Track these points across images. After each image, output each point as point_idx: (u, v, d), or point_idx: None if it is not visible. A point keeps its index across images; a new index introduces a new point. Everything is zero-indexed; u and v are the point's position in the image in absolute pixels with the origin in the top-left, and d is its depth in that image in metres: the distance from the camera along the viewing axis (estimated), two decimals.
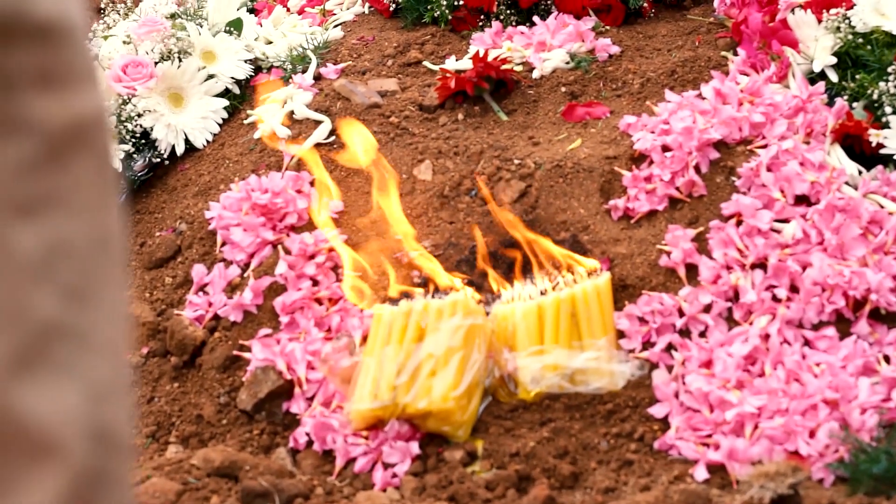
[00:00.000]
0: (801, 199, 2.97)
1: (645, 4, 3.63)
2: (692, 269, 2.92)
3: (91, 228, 0.84)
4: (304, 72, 3.61)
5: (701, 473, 2.63)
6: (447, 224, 3.11)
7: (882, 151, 3.00)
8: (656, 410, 2.76)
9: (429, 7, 3.71)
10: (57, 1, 0.80)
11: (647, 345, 2.86)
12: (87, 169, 0.83)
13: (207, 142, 3.55)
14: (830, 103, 3.13)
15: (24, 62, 0.79)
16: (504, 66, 3.35)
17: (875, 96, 3.08)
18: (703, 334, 2.85)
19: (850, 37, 3.15)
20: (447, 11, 3.67)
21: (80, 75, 0.83)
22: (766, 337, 2.79)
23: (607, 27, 3.59)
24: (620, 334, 2.87)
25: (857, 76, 3.13)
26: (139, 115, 3.48)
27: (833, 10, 3.18)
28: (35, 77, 0.79)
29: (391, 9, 3.84)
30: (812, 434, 2.63)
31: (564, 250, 2.98)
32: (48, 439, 0.80)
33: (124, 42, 3.63)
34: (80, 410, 0.82)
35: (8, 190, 0.79)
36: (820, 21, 3.20)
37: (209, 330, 3.11)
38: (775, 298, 2.84)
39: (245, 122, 3.52)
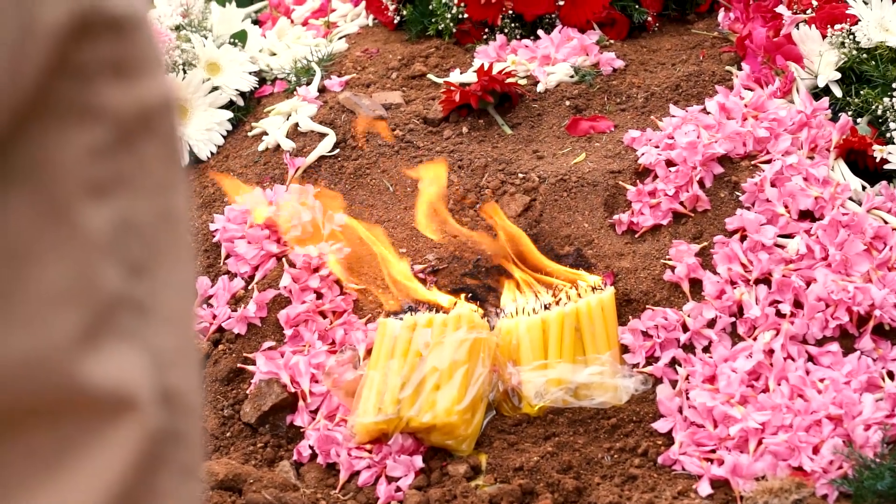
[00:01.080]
0: (805, 215, 2.98)
1: (649, 18, 3.63)
2: (696, 284, 2.93)
3: (157, 207, 0.89)
4: (308, 84, 3.61)
5: (705, 489, 2.63)
6: (451, 237, 3.11)
7: (886, 167, 3.01)
8: (660, 425, 2.77)
9: (433, 20, 3.72)
10: None
11: (650, 359, 2.86)
12: (154, 152, 0.88)
13: (211, 154, 3.55)
14: (835, 119, 3.13)
15: (99, 54, 0.83)
16: (509, 80, 3.35)
17: (879, 112, 3.08)
18: (707, 349, 2.85)
19: (854, 52, 3.16)
20: (451, 24, 3.67)
21: (148, 65, 0.87)
22: (770, 352, 2.79)
23: (611, 41, 3.59)
24: (624, 349, 2.88)
25: (862, 92, 3.13)
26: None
27: (837, 26, 3.18)
28: (108, 67, 0.84)
29: (395, 21, 3.84)
30: (816, 450, 2.63)
31: (566, 268, 2.99)
32: (120, 400, 0.85)
33: None
34: (148, 374, 0.86)
35: (82, 173, 0.84)
36: (824, 36, 3.21)
37: (213, 342, 3.11)
38: (779, 314, 2.84)
39: (249, 134, 3.52)
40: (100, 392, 0.84)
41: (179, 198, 0.92)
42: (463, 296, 2.97)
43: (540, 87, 3.43)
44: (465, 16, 3.66)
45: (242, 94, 3.65)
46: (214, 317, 3.13)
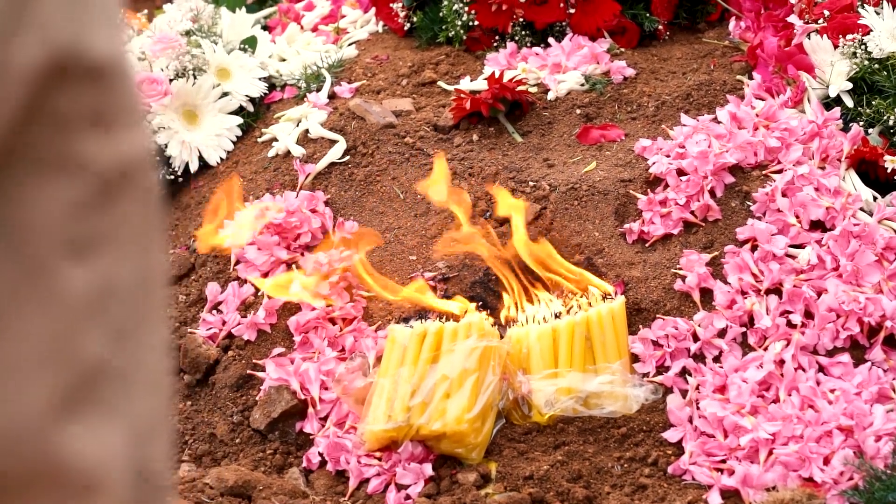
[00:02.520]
0: (817, 225, 2.97)
1: (660, 27, 3.63)
2: (707, 294, 2.92)
3: (137, 268, 0.85)
4: (318, 90, 3.61)
5: (715, 499, 2.63)
6: (462, 245, 3.10)
7: None
8: (670, 435, 2.77)
9: (443, 27, 3.71)
10: (110, 42, 0.81)
11: (661, 369, 2.86)
12: (135, 209, 0.84)
13: (221, 159, 3.55)
14: (846, 129, 3.13)
15: (78, 102, 0.80)
16: (519, 88, 3.35)
17: (890, 122, 3.08)
18: (717, 359, 2.85)
19: (866, 62, 3.16)
20: (462, 31, 3.67)
21: (129, 116, 0.83)
22: (781, 363, 2.79)
23: (622, 49, 3.58)
24: (635, 358, 2.88)
25: (873, 102, 3.13)
26: (154, 132, 3.48)
27: (849, 36, 3.18)
28: (88, 117, 0.80)
29: (405, 28, 3.84)
30: (826, 461, 2.63)
31: (580, 270, 2.98)
32: (92, 479, 0.81)
33: (139, 59, 3.63)
34: (123, 450, 0.83)
35: (61, 230, 0.80)
36: (836, 46, 3.20)
37: (223, 348, 3.11)
38: (790, 324, 2.84)
39: (259, 140, 3.52)
40: (74, 469, 0.80)
41: (157, 257, 0.88)
42: (473, 304, 2.96)
43: (550, 96, 3.43)
44: (476, 23, 3.65)
45: (252, 100, 3.65)
46: (224, 323, 3.13)
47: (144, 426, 0.85)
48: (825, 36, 3.22)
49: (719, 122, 3.18)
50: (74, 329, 0.80)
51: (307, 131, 3.45)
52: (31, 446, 0.79)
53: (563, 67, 3.50)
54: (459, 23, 3.66)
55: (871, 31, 3.17)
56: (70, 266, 0.80)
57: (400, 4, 3.81)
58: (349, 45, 3.89)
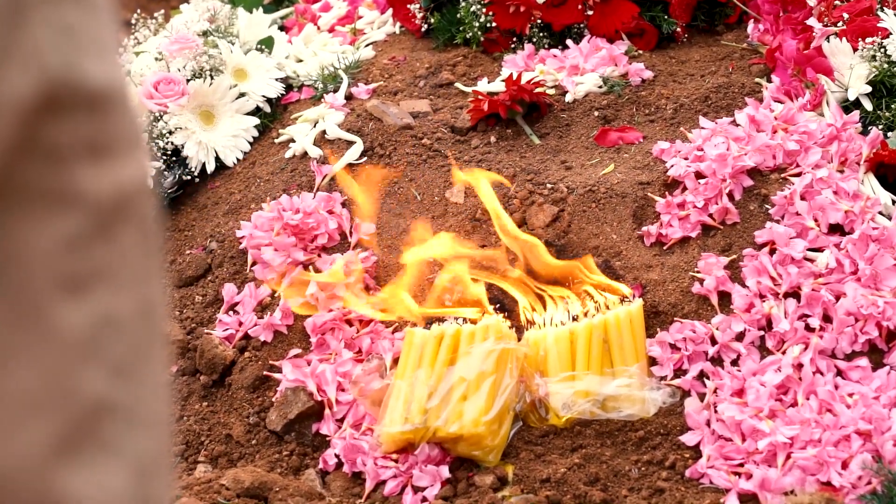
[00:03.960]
0: (835, 229, 2.97)
1: (678, 29, 3.62)
2: (725, 297, 2.92)
3: (136, 301, 0.82)
4: (335, 91, 3.60)
5: (733, 503, 2.62)
6: (479, 247, 3.10)
7: None
8: (688, 438, 2.76)
9: (461, 28, 3.71)
10: (106, 70, 0.79)
11: (679, 372, 2.85)
12: (133, 240, 0.82)
13: (238, 160, 3.55)
14: (865, 132, 3.12)
15: (74, 134, 0.77)
16: (537, 90, 3.35)
17: None
18: (735, 363, 2.84)
19: (885, 66, 3.15)
20: (479, 33, 3.67)
21: (126, 144, 0.81)
22: (799, 366, 2.78)
23: (640, 51, 3.58)
24: (652, 361, 2.87)
25: (893, 105, 3.13)
26: (170, 133, 3.48)
27: (869, 39, 3.17)
28: (84, 148, 0.78)
29: (423, 29, 3.84)
30: (845, 465, 2.62)
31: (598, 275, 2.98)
32: None
33: (156, 59, 3.63)
34: (125, 489, 0.81)
35: (56, 266, 0.77)
36: (855, 49, 3.19)
37: (239, 349, 3.11)
38: (808, 328, 2.83)
39: (276, 140, 3.52)
40: None
41: (156, 288, 0.86)
42: (491, 306, 2.96)
43: (568, 98, 3.42)
44: (493, 24, 3.65)
45: (269, 101, 3.65)
46: (241, 324, 3.13)
47: (146, 463, 0.83)
48: (844, 39, 3.21)
49: (738, 125, 3.17)
50: (72, 367, 0.78)
51: (324, 132, 3.45)
52: (30, 488, 0.76)
53: (581, 69, 3.49)
54: (477, 24, 3.66)
55: (891, 34, 3.16)
56: (66, 302, 0.78)
57: (417, 6, 3.81)
58: (366, 46, 3.89)
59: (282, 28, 4.11)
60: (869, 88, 3.16)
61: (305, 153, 3.42)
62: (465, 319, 2.88)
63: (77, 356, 0.78)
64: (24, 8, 0.74)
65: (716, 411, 2.76)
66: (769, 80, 3.34)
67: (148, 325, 0.84)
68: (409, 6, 3.84)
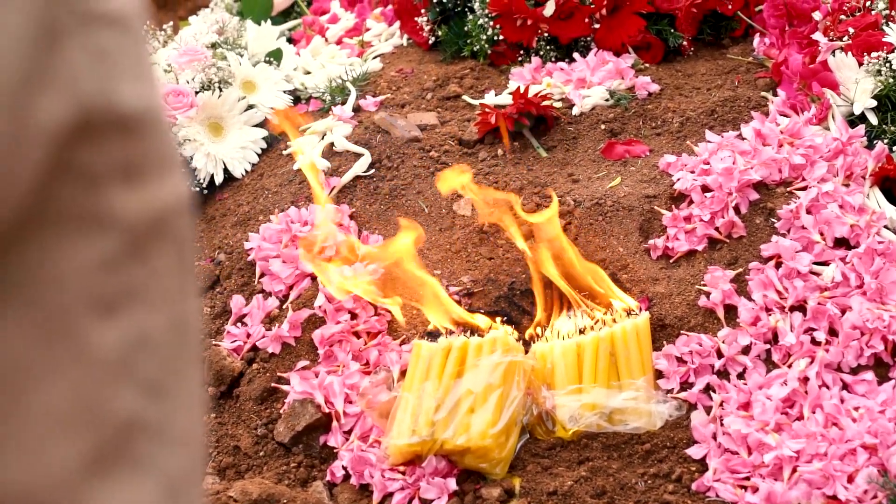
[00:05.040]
0: (841, 242, 2.98)
1: (684, 43, 3.64)
2: (731, 311, 2.93)
3: (170, 320, 0.83)
4: (343, 103, 3.62)
5: None
6: (486, 260, 3.12)
7: None
8: (694, 452, 2.77)
9: (468, 41, 3.73)
10: (141, 93, 0.80)
11: (685, 385, 2.86)
12: (167, 260, 0.83)
13: (246, 172, 3.57)
14: (870, 146, 3.13)
15: (109, 157, 0.78)
16: (544, 103, 3.36)
17: None
18: (741, 376, 2.85)
19: (890, 80, 3.16)
20: (486, 46, 3.69)
21: (162, 165, 0.82)
22: (805, 380, 2.79)
23: (647, 65, 3.59)
24: (659, 374, 2.88)
25: None
26: (179, 144, 3.50)
27: (874, 54, 3.18)
28: (119, 171, 0.79)
29: (430, 41, 3.85)
30: (850, 479, 2.62)
31: (605, 285, 2.99)
32: None
33: (165, 71, 3.65)
34: None
35: (88, 288, 0.78)
36: (861, 64, 3.21)
37: (247, 361, 3.12)
38: (814, 341, 2.84)
39: (284, 152, 3.54)
40: None
41: (191, 306, 0.86)
42: (498, 318, 2.97)
43: (575, 111, 3.44)
44: (501, 37, 3.67)
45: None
46: (249, 335, 3.14)
47: (178, 481, 0.83)
48: (850, 53, 3.23)
49: (744, 139, 3.19)
50: (105, 386, 0.79)
51: (332, 144, 3.46)
52: None
53: (588, 83, 3.50)
54: (484, 37, 3.68)
55: None
56: (99, 323, 0.78)
57: (425, 18, 3.82)
58: (374, 58, 3.91)
59: (290, 40, 4.12)
60: (874, 103, 3.18)
61: (314, 165, 3.43)
62: (472, 332, 2.89)
63: (109, 375, 0.79)
64: (60, 33, 0.75)
65: (722, 424, 2.77)
66: (775, 94, 3.36)
67: (182, 344, 0.85)
68: (416, 19, 3.86)
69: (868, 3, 3.38)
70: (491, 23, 3.65)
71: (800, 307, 2.90)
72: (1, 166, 0.71)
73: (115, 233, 0.79)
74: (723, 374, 2.86)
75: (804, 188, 3.06)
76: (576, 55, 3.61)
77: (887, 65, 3.17)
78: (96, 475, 0.78)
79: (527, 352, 2.88)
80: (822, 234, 2.96)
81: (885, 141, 3.13)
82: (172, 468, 0.83)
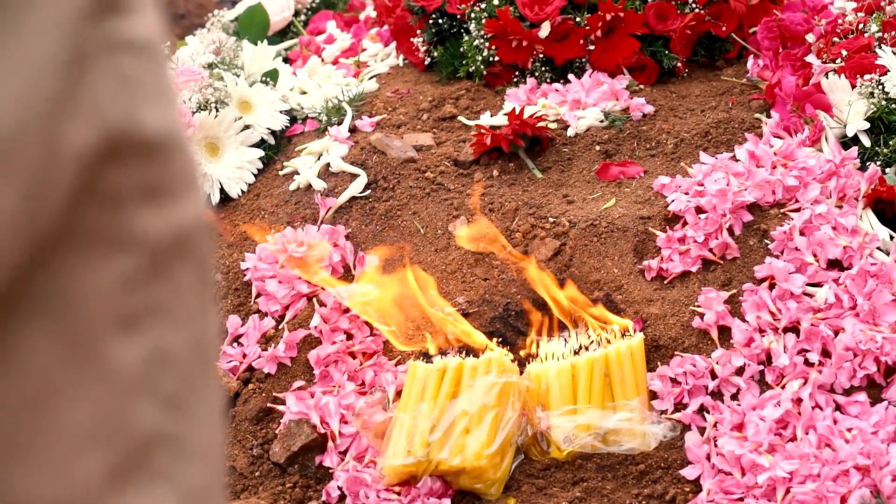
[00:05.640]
0: (834, 264, 2.99)
1: (678, 64, 3.65)
2: (725, 332, 2.94)
3: (190, 336, 0.85)
4: (339, 124, 3.63)
5: None
6: (481, 280, 3.13)
7: None
8: (688, 472, 2.78)
9: (464, 62, 3.74)
10: (164, 116, 0.82)
11: (679, 406, 2.88)
12: (188, 278, 0.85)
13: (242, 192, 3.58)
14: (863, 168, 3.15)
15: (132, 179, 0.80)
16: (539, 124, 3.38)
17: None
18: (735, 397, 2.87)
19: (883, 102, 3.18)
20: (482, 66, 3.70)
21: (183, 185, 0.84)
22: (798, 401, 2.80)
23: (641, 86, 3.61)
24: (653, 395, 2.89)
25: (891, 142, 3.15)
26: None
27: (867, 76, 3.20)
28: (142, 192, 0.81)
29: (426, 62, 3.87)
30: (843, 500, 2.64)
31: (598, 310, 3.00)
32: None
33: None
34: None
35: (112, 306, 0.80)
36: (854, 86, 3.23)
37: (243, 381, 3.13)
38: (807, 363, 2.86)
39: (280, 172, 3.55)
40: None
41: (211, 322, 0.89)
42: (494, 339, 2.98)
43: (570, 132, 3.45)
44: (496, 58, 3.68)
45: (273, 133, 3.67)
46: (245, 356, 3.15)
47: (197, 493, 0.85)
48: (843, 75, 3.25)
49: (738, 161, 3.20)
50: (127, 402, 0.81)
51: (328, 165, 3.48)
52: None
53: (583, 104, 3.52)
54: (480, 58, 3.69)
55: (889, 71, 3.19)
56: (121, 340, 0.81)
57: (421, 39, 3.84)
58: (370, 78, 3.92)
59: (286, 60, 4.13)
60: (867, 125, 3.19)
61: (310, 185, 3.45)
62: (467, 353, 2.90)
63: (131, 391, 0.81)
64: (88, 60, 0.77)
65: (716, 445, 2.78)
66: (769, 116, 3.37)
67: (201, 359, 0.87)
68: (412, 39, 3.87)
69: (861, 26, 3.40)
70: (486, 44, 3.67)
71: (793, 328, 2.91)
72: (32, 190, 0.73)
73: (138, 252, 0.81)
74: (716, 394, 2.88)
75: (797, 210, 3.07)
76: (571, 76, 3.62)
77: (880, 87, 3.19)
78: (118, 488, 0.80)
79: (522, 372, 2.90)
80: (815, 255, 2.98)
81: (878, 163, 3.15)
82: (192, 481, 0.85)
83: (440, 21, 3.80)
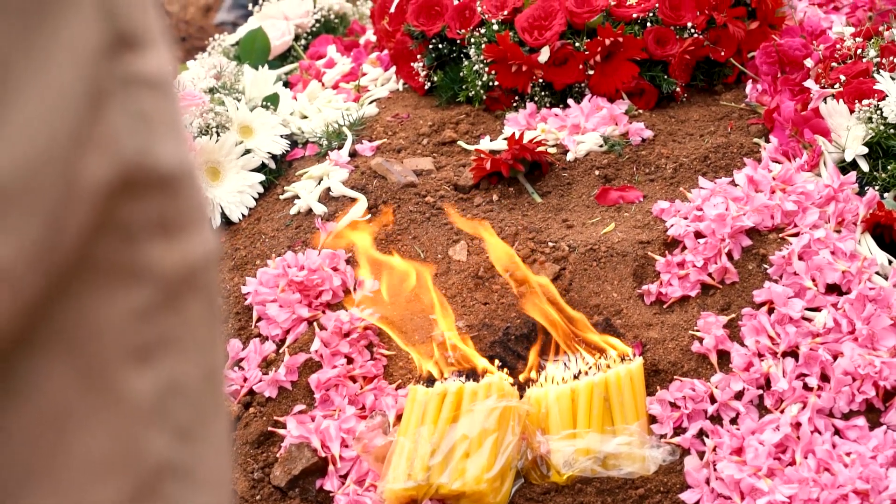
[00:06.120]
0: (833, 288, 3.00)
1: (677, 89, 3.67)
2: (724, 356, 2.95)
3: (201, 367, 0.87)
4: (339, 148, 3.65)
5: None
6: (482, 305, 3.14)
7: None
8: (687, 496, 2.79)
9: (463, 86, 3.76)
10: (177, 151, 0.83)
11: (678, 430, 2.88)
12: (199, 310, 0.86)
13: (243, 216, 3.59)
14: (861, 193, 3.16)
15: (146, 213, 0.82)
16: (539, 149, 3.39)
17: None
18: (734, 421, 2.87)
19: (881, 127, 3.19)
20: (482, 91, 3.71)
21: (195, 219, 0.85)
22: (798, 425, 2.81)
23: (640, 111, 3.62)
24: (652, 419, 2.90)
25: (889, 167, 3.17)
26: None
27: (865, 101, 3.21)
28: (156, 226, 0.82)
29: (426, 87, 3.88)
30: None
31: (598, 334, 3.01)
32: None
33: None
34: None
35: (125, 337, 0.81)
36: (852, 111, 3.24)
37: (244, 405, 3.14)
38: (806, 387, 2.86)
39: (281, 197, 3.56)
40: None
41: (219, 351, 0.90)
42: (494, 363, 2.99)
43: (570, 156, 3.46)
44: (496, 83, 3.69)
45: (274, 157, 3.69)
46: (245, 379, 3.16)
47: None
48: (841, 101, 3.26)
49: (737, 185, 3.22)
50: (139, 432, 0.82)
51: (329, 189, 3.49)
52: None
53: (582, 129, 3.53)
54: (479, 83, 3.70)
55: (887, 96, 3.20)
56: (134, 371, 0.82)
57: (421, 63, 3.85)
58: (370, 102, 3.93)
59: (286, 84, 4.15)
60: (865, 150, 3.20)
61: (310, 210, 3.46)
62: (467, 377, 2.91)
63: (144, 421, 0.82)
64: (104, 96, 0.78)
65: (715, 469, 2.79)
66: (767, 141, 3.39)
67: (211, 389, 0.88)
68: (412, 64, 3.89)
69: (859, 51, 3.41)
70: (486, 68, 3.68)
71: (792, 353, 2.92)
72: (51, 223, 0.75)
73: (151, 285, 0.82)
74: (716, 419, 2.89)
75: (796, 234, 3.08)
76: (570, 101, 3.64)
77: (878, 112, 3.20)
78: None
79: (521, 397, 2.91)
80: (813, 280, 2.99)
81: (876, 187, 3.16)
82: None
83: (440, 46, 3.82)
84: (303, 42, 4.48)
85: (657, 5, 3.67)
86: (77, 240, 0.78)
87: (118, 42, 0.79)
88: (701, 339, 2.96)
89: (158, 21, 0.84)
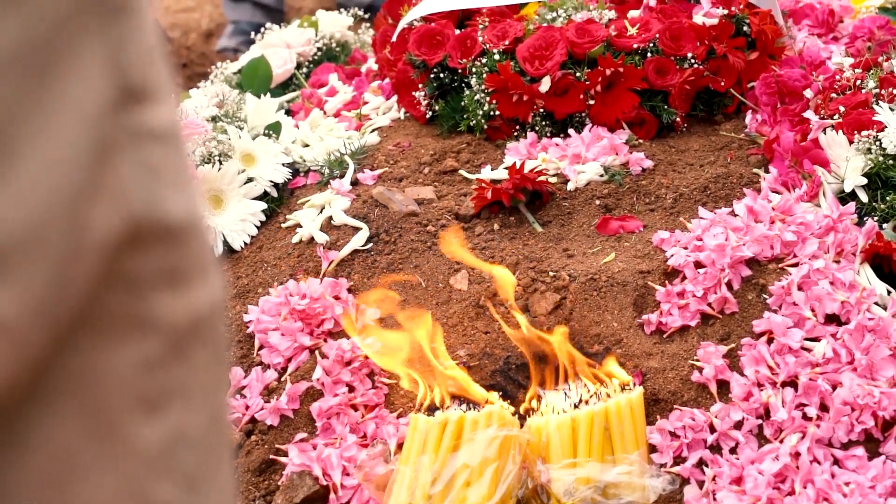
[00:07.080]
0: (832, 319, 3.01)
1: (677, 119, 3.69)
2: (724, 386, 2.96)
3: (207, 416, 0.88)
4: (341, 176, 3.66)
5: None
6: (482, 334, 3.15)
7: None
8: None
9: (465, 116, 3.78)
10: (185, 202, 0.84)
11: (678, 460, 2.89)
12: (205, 359, 0.87)
13: (245, 244, 3.60)
14: (860, 223, 3.17)
15: (154, 265, 0.82)
16: (540, 178, 3.41)
17: None
18: (734, 451, 2.88)
19: (880, 158, 3.21)
20: (483, 120, 3.73)
21: (202, 269, 0.86)
22: (797, 455, 2.82)
23: (640, 140, 3.64)
24: (652, 448, 2.91)
25: (888, 197, 3.18)
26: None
27: (864, 132, 3.23)
28: (163, 278, 0.83)
29: (427, 115, 3.90)
30: None
31: (596, 367, 3.03)
32: None
33: None
34: None
35: (133, 387, 0.82)
36: (851, 142, 3.26)
37: (245, 433, 3.15)
38: (805, 417, 2.87)
39: (283, 225, 3.58)
40: None
41: (224, 398, 0.91)
42: (495, 393, 3.00)
43: (570, 186, 3.48)
44: (497, 112, 3.71)
45: (276, 186, 3.70)
46: (247, 407, 3.17)
47: None
48: (840, 132, 3.28)
49: (736, 216, 3.23)
50: (146, 481, 0.83)
51: (331, 218, 3.50)
52: None
53: (583, 158, 3.55)
54: (481, 112, 3.72)
55: (886, 127, 3.22)
56: (142, 420, 0.83)
57: (422, 92, 3.87)
58: (371, 131, 3.95)
59: (288, 112, 4.17)
60: (864, 180, 3.22)
61: (312, 238, 3.47)
62: (468, 406, 2.92)
63: (151, 470, 0.83)
64: (113, 150, 0.79)
65: (714, 499, 2.80)
66: (767, 171, 3.40)
67: (216, 436, 0.89)
68: (414, 93, 3.91)
69: (859, 82, 3.43)
70: (487, 98, 3.70)
71: (791, 383, 2.93)
72: (58, 275, 0.75)
73: (159, 335, 0.83)
74: (715, 448, 2.90)
75: (795, 265, 3.10)
76: (571, 131, 3.65)
77: (877, 143, 3.22)
78: None
79: (522, 426, 2.92)
80: (813, 310, 3.00)
81: (876, 218, 3.18)
82: None
83: (441, 75, 3.84)
84: (305, 70, 4.50)
85: (657, 36, 3.69)
86: (84, 291, 0.79)
87: (126, 95, 0.80)
88: (701, 369, 2.98)
89: (166, 73, 0.84)
